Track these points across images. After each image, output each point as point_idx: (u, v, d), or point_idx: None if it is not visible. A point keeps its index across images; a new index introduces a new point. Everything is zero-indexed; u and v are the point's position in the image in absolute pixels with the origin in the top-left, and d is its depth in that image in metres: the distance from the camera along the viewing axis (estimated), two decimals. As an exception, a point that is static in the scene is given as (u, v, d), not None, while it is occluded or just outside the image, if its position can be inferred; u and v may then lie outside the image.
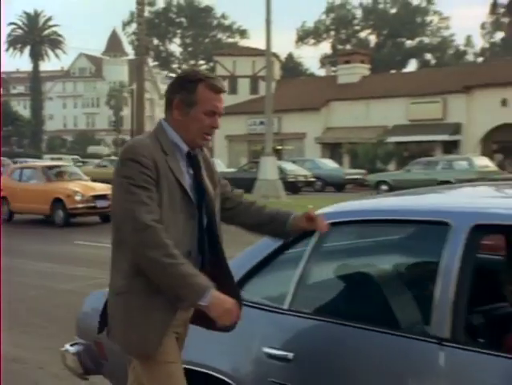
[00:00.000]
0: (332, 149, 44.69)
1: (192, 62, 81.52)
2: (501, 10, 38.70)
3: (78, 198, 17.51)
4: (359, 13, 75.06)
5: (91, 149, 70.86)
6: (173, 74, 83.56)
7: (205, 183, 2.88)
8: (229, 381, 3.17)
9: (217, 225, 2.90)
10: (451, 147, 40.17)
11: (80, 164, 41.39)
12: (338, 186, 33.67)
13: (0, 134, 34.31)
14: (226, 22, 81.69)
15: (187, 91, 2.74)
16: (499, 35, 71.18)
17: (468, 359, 2.57)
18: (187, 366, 3.42)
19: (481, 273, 3.57)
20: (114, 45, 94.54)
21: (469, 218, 2.74)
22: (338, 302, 3.38)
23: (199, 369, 3.36)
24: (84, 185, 18.75)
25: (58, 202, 17.90)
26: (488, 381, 2.53)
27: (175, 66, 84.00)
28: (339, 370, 2.95)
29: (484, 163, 27.70)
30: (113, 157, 43.81)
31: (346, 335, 2.95)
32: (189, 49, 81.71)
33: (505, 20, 39.49)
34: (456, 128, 41.22)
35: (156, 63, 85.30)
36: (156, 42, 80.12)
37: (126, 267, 2.73)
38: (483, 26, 72.87)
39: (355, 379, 2.90)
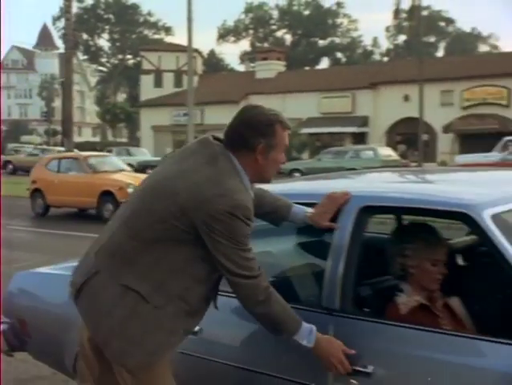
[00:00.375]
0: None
1: (120, 56, 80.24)
2: (404, 16, 39.51)
3: (131, 190, 14.07)
4: (275, 13, 75.41)
5: (24, 138, 68.96)
6: (103, 68, 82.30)
7: None
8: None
9: None
10: (359, 138, 40.88)
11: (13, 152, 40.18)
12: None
13: (1, 131, 32.81)
14: (152, 19, 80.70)
15: (270, 135, 2.56)
16: (402, 38, 72.75)
17: (354, 327, 2.65)
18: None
19: (371, 249, 3.68)
20: (45, 39, 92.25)
21: (359, 200, 2.79)
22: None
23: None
24: (134, 176, 16.19)
25: (107, 195, 15.40)
26: (371, 345, 2.59)
27: (104, 60, 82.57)
28: (243, 340, 2.98)
29: (387, 152, 28.28)
30: (45, 146, 42.85)
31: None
32: (117, 44, 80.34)
33: (407, 24, 40.33)
34: (363, 121, 41.99)
35: (85, 57, 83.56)
36: (85, 36, 78.49)
37: (162, 280, 2.50)
38: (388, 29, 74.42)
39: (256, 346, 2.93)
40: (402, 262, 2.97)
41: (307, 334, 2.52)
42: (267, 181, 2.71)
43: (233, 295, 2.75)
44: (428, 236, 2.99)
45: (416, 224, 3.19)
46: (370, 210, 2.79)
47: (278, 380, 2.75)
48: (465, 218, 2.53)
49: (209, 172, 2.47)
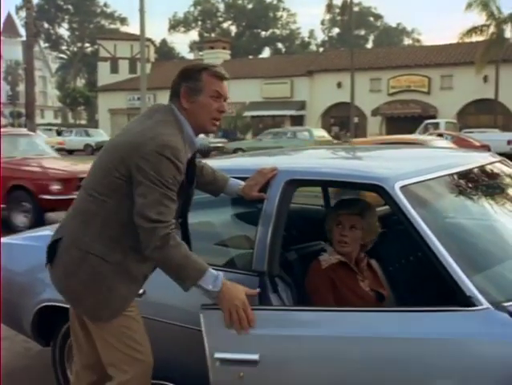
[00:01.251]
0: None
1: (79, 44, 78.45)
2: (337, 11, 39.68)
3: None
4: (221, 7, 74.69)
5: (-11, 120, 67.05)
6: (63, 55, 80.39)
7: (195, 176, 2.67)
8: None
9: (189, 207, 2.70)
10: (297, 120, 41.01)
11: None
12: (204, 153, 33.61)
13: (0, 127, 31.49)
14: (108, 10, 79.02)
15: (193, 79, 2.48)
16: (336, 31, 73.07)
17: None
18: (59, 305, 3.40)
19: (300, 218, 3.72)
20: (9, 27, 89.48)
21: (285, 175, 2.80)
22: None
23: (66, 306, 3.31)
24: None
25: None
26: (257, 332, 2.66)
27: (64, 47, 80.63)
28: (183, 300, 2.97)
29: (321, 134, 28.42)
30: (9, 128, 41.64)
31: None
32: (76, 33, 78.44)
33: (340, 19, 40.54)
34: (301, 105, 42.11)
35: (47, 45, 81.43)
36: (46, 25, 76.41)
37: (116, 236, 2.45)
38: (323, 23, 74.50)
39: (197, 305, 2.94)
40: (327, 228, 3.04)
41: (213, 280, 2.34)
42: (207, 130, 2.58)
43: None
44: (344, 203, 3.06)
45: (348, 198, 3.23)
46: (295, 183, 2.80)
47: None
48: (378, 190, 2.57)
49: (146, 123, 2.46)
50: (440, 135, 24.08)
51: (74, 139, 36.82)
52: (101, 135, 37.47)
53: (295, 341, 2.40)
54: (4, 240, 3.98)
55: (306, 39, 77.73)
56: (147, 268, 2.59)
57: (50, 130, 42.07)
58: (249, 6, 73.21)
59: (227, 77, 2.56)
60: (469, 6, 31.62)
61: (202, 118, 2.52)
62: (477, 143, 21.10)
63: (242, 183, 2.86)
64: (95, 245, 2.46)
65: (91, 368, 2.76)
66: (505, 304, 2.20)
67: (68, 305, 2.74)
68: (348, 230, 2.95)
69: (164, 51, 71.79)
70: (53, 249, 2.58)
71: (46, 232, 4.06)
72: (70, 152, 35.70)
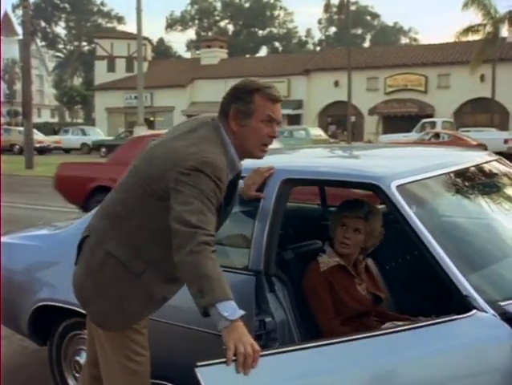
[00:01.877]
0: (196, 120, 44.53)
1: (75, 43, 78.31)
2: (334, 10, 39.67)
3: None
4: (218, 5, 74.60)
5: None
6: (60, 54, 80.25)
7: (235, 198, 2.54)
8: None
9: None
10: (294, 119, 40.97)
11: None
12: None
13: (0, 125, 31.46)
14: (105, 9, 78.89)
15: (244, 101, 2.31)
16: (333, 30, 73.06)
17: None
18: (56, 304, 3.40)
19: (297, 217, 3.72)
20: (6, 25, 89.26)
21: (281, 174, 2.80)
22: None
23: (63, 305, 3.33)
24: None
25: None
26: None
27: (61, 46, 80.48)
28: (180, 302, 2.97)
29: (317, 132, 28.40)
30: (6, 126, 41.56)
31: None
32: (73, 31, 78.29)
33: (337, 18, 40.53)
34: (298, 104, 42.08)
35: (44, 43, 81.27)
36: (43, 24, 76.27)
37: (141, 247, 2.34)
38: (320, 22, 74.46)
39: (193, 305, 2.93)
40: (330, 227, 3.04)
41: (232, 310, 1.99)
42: (254, 155, 2.41)
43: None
44: (349, 205, 3.04)
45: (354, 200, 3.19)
46: (291, 182, 2.80)
47: (206, 334, 2.73)
48: (375, 189, 2.57)
49: (188, 137, 2.31)
50: (437, 134, 24.14)
51: (71, 138, 36.73)
52: (98, 133, 37.43)
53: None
54: (2, 239, 3.97)
55: (304, 38, 77.71)
56: (168, 290, 2.47)
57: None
58: (247, 5, 73.16)
59: (281, 99, 2.41)
60: (466, 5, 31.62)
61: (251, 143, 2.36)
62: (474, 142, 21.13)
63: (241, 182, 2.85)
64: (120, 249, 2.37)
65: (95, 364, 2.69)
66: (502, 303, 2.20)
67: (66, 305, 2.75)
68: (352, 233, 2.93)
69: (162, 50, 71.70)
70: (81, 247, 2.52)
71: (44, 231, 4.07)
72: (66, 151, 35.67)
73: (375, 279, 3.13)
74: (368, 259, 3.18)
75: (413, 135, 25.79)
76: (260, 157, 2.43)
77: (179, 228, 2.11)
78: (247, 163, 3.10)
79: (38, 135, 31.55)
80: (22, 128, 30.01)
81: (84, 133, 37.55)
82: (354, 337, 2.14)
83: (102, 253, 2.39)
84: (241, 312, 2.01)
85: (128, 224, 2.37)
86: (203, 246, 2.06)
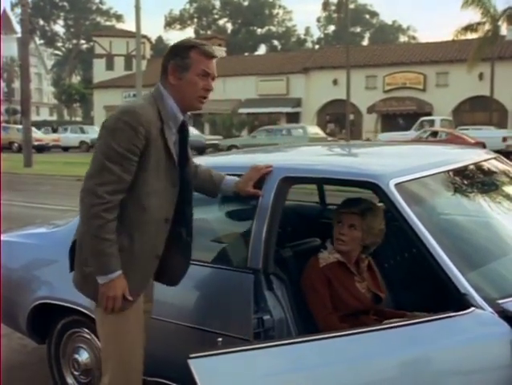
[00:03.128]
0: (194, 119, 44.41)
1: (74, 41, 78.19)
2: (333, 8, 39.65)
3: None
4: (217, 4, 74.52)
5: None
6: (58, 52, 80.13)
7: (188, 152, 2.67)
8: (87, 312, 3.15)
9: (192, 195, 2.67)
10: (293, 117, 40.98)
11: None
12: (200, 150, 33.61)
13: (0, 124, 31.33)
14: (104, 7, 78.80)
15: (181, 56, 2.48)
16: (331, 28, 73.00)
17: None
18: (55, 302, 3.40)
19: (295, 215, 3.72)
20: (4, 24, 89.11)
21: (279, 172, 2.80)
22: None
23: (61, 303, 3.33)
24: None
25: None
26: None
27: (59, 44, 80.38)
28: (182, 300, 2.97)
29: (315, 131, 28.34)
30: (5, 124, 41.51)
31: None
32: (72, 30, 78.18)
33: (336, 16, 40.50)
34: (297, 102, 42.06)
35: (42, 42, 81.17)
36: (41, 22, 76.16)
37: (118, 220, 2.42)
38: (319, 20, 74.48)
39: (193, 305, 2.95)
40: (332, 224, 3.03)
41: (104, 279, 2.39)
42: (193, 107, 2.55)
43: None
44: (347, 202, 3.04)
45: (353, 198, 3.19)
46: (289, 180, 2.80)
47: (206, 333, 2.78)
48: (373, 187, 2.57)
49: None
50: (435, 132, 24.13)
51: (69, 136, 36.73)
52: (96, 132, 37.15)
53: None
54: (1, 237, 3.97)
55: (302, 36, 77.71)
56: (155, 247, 2.54)
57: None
58: (245, 3, 73.11)
59: (216, 55, 2.56)
60: (465, 3, 31.59)
61: (189, 95, 2.51)
62: (472, 141, 21.12)
63: (238, 179, 2.85)
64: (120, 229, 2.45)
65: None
66: (500, 301, 2.20)
67: (64, 303, 2.75)
68: (347, 229, 2.93)
69: (160, 48, 71.53)
70: (73, 251, 2.61)
71: (42, 229, 4.07)
72: (65, 149, 35.63)
73: (377, 278, 3.12)
74: (368, 257, 3.17)
75: (411, 133, 25.77)
76: (199, 108, 2.58)
77: (81, 195, 2.39)
78: (245, 160, 3.10)
79: (36, 134, 31.51)
80: (20, 126, 29.99)
81: (83, 131, 37.56)
82: (350, 332, 2.14)
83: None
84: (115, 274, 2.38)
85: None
86: (92, 221, 2.34)
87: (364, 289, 2.99)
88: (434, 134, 23.89)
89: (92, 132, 37.02)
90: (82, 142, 36.08)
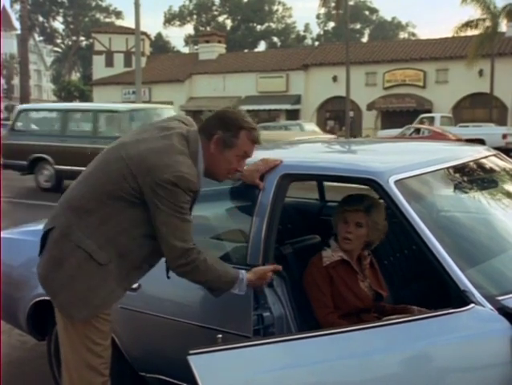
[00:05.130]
0: (194, 115, 44.09)
1: (73, 38, 78.08)
2: (332, 4, 39.57)
3: None
4: (217, 0, 74.42)
5: (-17, 113, 66.82)
6: (58, 49, 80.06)
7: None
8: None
9: None
10: (293, 114, 40.90)
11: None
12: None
13: (0, 123, 31.28)
14: (103, 4, 78.67)
15: (231, 133, 2.51)
16: (331, 24, 72.88)
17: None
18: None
19: (295, 212, 3.72)
20: (4, 20, 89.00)
21: (279, 169, 2.80)
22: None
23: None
24: None
25: None
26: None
27: (59, 41, 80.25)
28: (177, 295, 2.98)
29: (312, 128, 28.28)
30: (3, 122, 41.48)
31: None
32: (71, 26, 78.03)
33: (335, 12, 40.36)
34: (296, 99, 42.01)
35: (41, 38, 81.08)
36: (41, 19, 76.04)
37: (111, 238, 2.47)
38: (318, 17, 74.35)
39: (188, 300, 2.95)
40: (333, 223, 3.03)
41: (239, 286, 2.54)
42: (217, 179, 2.63)
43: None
44: (350, 200, 3.04)
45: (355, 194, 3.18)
46: (289, 177, 2.80)
47: (206, 330, 2.78)
48: (373, 184, 2.57)
49: (161, 144, 2.46)
50: (418, 129, 24.28)
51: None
52: None
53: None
54: (1, 234, 3.97)
55: (302, 33, 77.53)
56: (133, 278, 2.63)
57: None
58: (245, 0, 73.01)
59: (261, 143, 2.63)
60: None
61: (219, 169, 2.58)
62: (453, 137, 21.07)
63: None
64: (87, 240, 2.46)
65: None
66: (500, 298, 2.21)
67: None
68: (353, 227, 2.92)
69: (160, 45, 71.56)
70: (45, 239, 2.61)
71: (43, 226, 4.06)
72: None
73: (379, 276, 3.11)
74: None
75: (411, 130, 25.77)
76: (221, 181, 2.67)
77: (167, 255, 2.47)
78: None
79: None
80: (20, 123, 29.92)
81: None
82: (350, 329, 2.15)
83: (69, 245, 2.48)
84: (244, 278, 2.54)
85: (94, 218, 2.48)
86: (193, 264, 2.43)
87: (367, 288, 2.98)
88: (417, 131, 24.06)
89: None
90: None
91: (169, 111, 14.18)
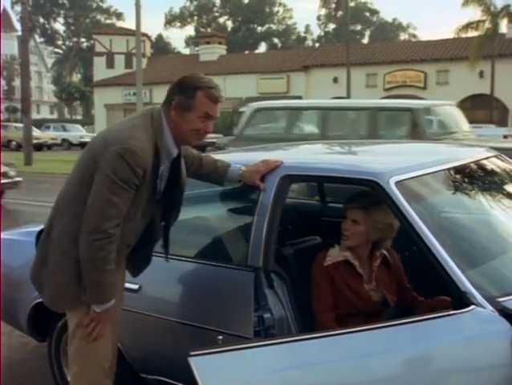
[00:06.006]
0: (196, 117, 44.49)
1: (74, 39, 78.14)
2: (333, 6, 39.61)
3: None
4: (217, 1, 74.46)
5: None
6: (58, 50, 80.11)
7: (181, 183, 2.70)
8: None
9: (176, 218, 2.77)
10: (293, 116, 40.88)
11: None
12: (200, 148, 33.59)
13: (0, 124, 31.38)
14: (104, 5, 78.72)
15: (186, 95, 2.49)
16: (332, 26, 72.89)
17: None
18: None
19: (296, 213, 3.72)
20: (5, 22, 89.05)
21: (280, 170, 2.80)
22: (180, 242, 3.39)
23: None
24: None
25: None
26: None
27: (59, 42, 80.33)
28: (177, 297, 2.98)
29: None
30: (3, 123, 41.59)
31: (186, 269, 3.00)
32: (72, 28, 78.09)
33: (336, 14, 40.41)
34: (297, 100, 42.04)
35: (42, 40, 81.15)
36: (42, 20, 76.10)
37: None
38: (319, 18, 74.39)
39: (189, 302, 2.95)
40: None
41: (101, 307, 2.52)
42: (187, 143, 2.63)
43: (164, 255, 2.77)
44: (352, 196, 3.02)
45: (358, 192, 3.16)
46: (290, 178, 2.80)
47: (206, 331, 2.78)
48: (373, 185, 2.57)
49: (126, 125, 2.54)
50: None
51: (51, 135, 37.19)
52: (78, 129, 39.22)
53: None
54: (1, 235, 3.97)
55: (303, 34, 77.56)
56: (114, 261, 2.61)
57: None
58: (246, 1, 73.03)
59: (221, 101, 2.56)
60: (466, 1, 31.55)
61: (186, 133, 2.55)
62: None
63: (244, 168, 2.88)
64: (63, 237, 2.54)
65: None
66: (500, 299, 2.20)
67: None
68: (350, 224, 2.91)
69: (160, 46, 71.62)
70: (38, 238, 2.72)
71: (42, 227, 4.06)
72: (49, 147, 35.65)
73: (390, 280, 3.05)
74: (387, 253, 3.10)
75: (412, 132, 25.73)
76: (191, 144, 2.66)
77: (84, 222, 2.42)
78: (246, 159, 3.10)
79: (35, 132, 31.50)
80: (18, 124, 29.97)
81: (65, 129, 38.92)
82: (351, 330, 2.15)
83: (50, 243, 2.59)
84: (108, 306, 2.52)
85: (69, 214, 2.54)
86: (95, 255, 2.40)
87: (373, 290, 2.94)
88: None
89: (74, 130, 38.73)
90: (64, 140, 36.96)
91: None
